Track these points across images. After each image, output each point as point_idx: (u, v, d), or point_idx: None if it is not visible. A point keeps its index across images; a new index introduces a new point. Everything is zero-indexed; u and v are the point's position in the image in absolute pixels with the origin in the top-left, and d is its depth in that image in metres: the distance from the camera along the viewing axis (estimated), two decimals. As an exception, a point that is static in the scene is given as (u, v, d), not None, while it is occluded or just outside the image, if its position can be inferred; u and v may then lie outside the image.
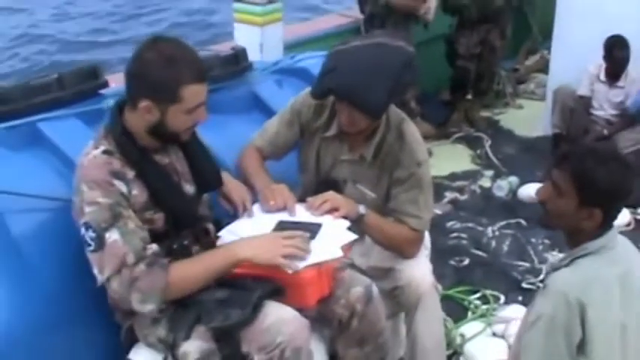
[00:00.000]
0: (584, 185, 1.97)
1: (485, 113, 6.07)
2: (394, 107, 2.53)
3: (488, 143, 5.50)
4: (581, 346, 1.89)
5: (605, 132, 5.08)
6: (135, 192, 2.03)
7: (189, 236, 2.17)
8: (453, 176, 4.95)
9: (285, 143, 2.60)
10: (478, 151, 5.43)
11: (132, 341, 2.18)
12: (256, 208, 2.34)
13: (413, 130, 2.52)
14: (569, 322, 1.88)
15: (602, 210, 1.98)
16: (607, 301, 1.93)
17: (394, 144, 2.47)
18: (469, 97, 5.84)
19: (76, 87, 2.57)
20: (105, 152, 2.02)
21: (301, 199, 2.40)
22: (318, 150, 2.55)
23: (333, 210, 2.30)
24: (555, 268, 2.06)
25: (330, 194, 2.35)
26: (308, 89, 2.50)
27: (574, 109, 5.15)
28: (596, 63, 5.10)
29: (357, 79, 2.25)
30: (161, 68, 1.96)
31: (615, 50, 4.97)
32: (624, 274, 1.99)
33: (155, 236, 2.06)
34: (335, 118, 2.48)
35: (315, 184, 2.53)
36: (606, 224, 2.01)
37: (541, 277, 3.58)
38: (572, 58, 5.25)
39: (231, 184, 2.39)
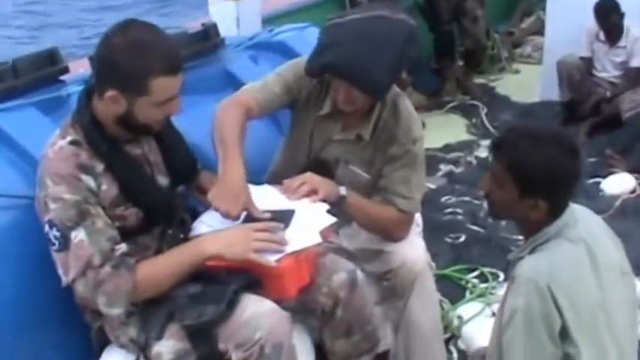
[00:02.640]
0: (520, 174, 1.88)
1: (480, 80, 6.06)
2: None
3: (483, 111, 5.48)
4: (563, 333, 1.83)
5: (608, 94, 5.02)
6: (104, 186, 1.97)
7: (175, 226, 2.13)
8: (448, 148, 4.93)
9: (277, 106, 2.44)
10: (473, 120, 5.40)
11: (103, 342, 2.13)
12: None
13: (408, 105, 2.46)
14: (546, 310, 1.81)
15: (545, 199, 1.88)
16: (579, 283, 1.86)
17: (389, 120, 2.41)
18: (461, 63, 5.78)
19: (33, 74, 2.50)
20: (72, 143, 1.95)
21: (284, 176, 2.33)
22: (312, 129, 2.46)
23: (311, 193, 2.22)
24: (519, 259, 1.97)
25: (308, 176, 2.27)
26: None
27: (581, 79, 5.09)
28: (595, 21, 5.01)
29: (358, 57, 2.17)
30: (129, 57, 1.87)
31: (604, 16, 4.90)
32: (591, 251, 1.91)
33: (127, 233, 2.00)
34: (328, 95, 2.40)
35: (306, 164, 2.45)
36: (556, 211, 1.92)
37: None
38: (569, 17, 5.21)
39: (204, 174, 2.33)
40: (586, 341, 1.84)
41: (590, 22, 5.03)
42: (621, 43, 5.01)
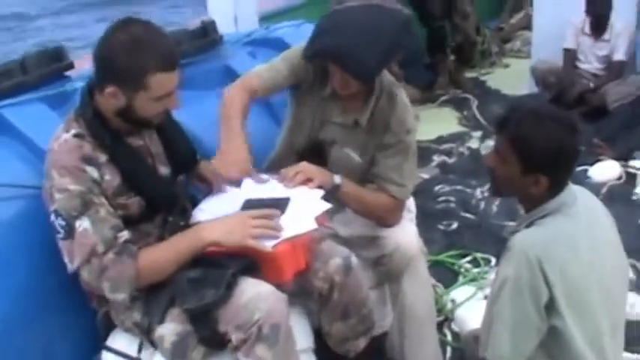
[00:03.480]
0: (523, 151, 1.87)
1: (471, 74, 6.05)
2: (386, 72, 2.45)
3: (475, 104, 5.48)
4: (550, 306, 1.82)
5: (592, 85, 5.02)
6: (107, 177, 1.96)
7: (177, 214, 2.13)
8: (441, 139, 4.92)
9: (283, 85, 2.44)
10: (465, 113, 5.40)
11: (108, 327, 2.13)
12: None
13: (403, 97, 2.46)
14: (533, 282, 1.80)
15: (547, 175, 1.89)
16: (573, 259, 1.85)
17: (385, 109, 2.41)
18: (453, 58, 5.77)
19: (40, 70, 2.50)
20: (76, 136, 1.95)
21: (283, 159, 2.37)
22: (315, 110, 2.46)
23: (306, 181, 2.22)
24: (515, 232, 1.97)
25: (303, 165, 2.28)
26: None
27: (556, 81, 5.11)
28: (581, 16, 5.04)
29: (349, 42, 2.18)
30: (127, 54, 1.87)
31: (595, 5, 4.91)
32: (589, 228, 1.91)
33: (130, 221, 2.00)
34: (328, 78, 2.39)
35: (305, 144, 2.46)
36: (556, 188, 1.92)
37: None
38: (555, 13, 5.22)
39: (204, 164, 2.33)
40: (576, 316, 1.83)
41: (576, 16, 5.05)
42: (605, 37, 5.01)
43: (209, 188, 2.27)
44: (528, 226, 1.94)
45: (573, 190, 1.97)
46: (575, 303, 1.84)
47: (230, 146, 2.21)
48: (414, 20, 2.33)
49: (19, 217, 2.12)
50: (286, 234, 1.99)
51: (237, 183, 2.21)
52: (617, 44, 4.98)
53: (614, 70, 5.00)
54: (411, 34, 2.30)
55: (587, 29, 5.05)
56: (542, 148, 1.85)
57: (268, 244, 1.96)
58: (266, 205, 2.08)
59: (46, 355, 2.14)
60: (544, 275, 1.80)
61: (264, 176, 2.27)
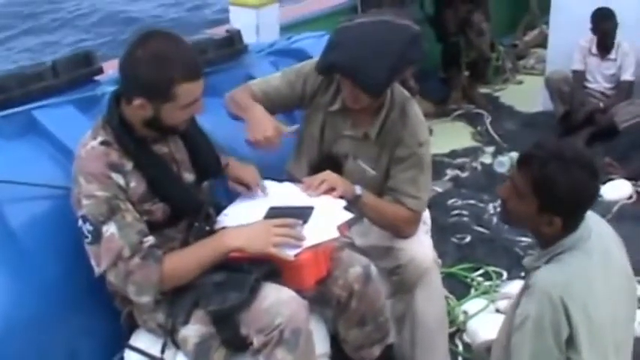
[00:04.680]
0: (544, 192, 1.85)
1: (485, 90, 6.04)
2: (399, 86, 2.49)
3: (488, 120, 5.48)
4: (569, 341, 1.83)
5: (601, 105, 5.04)
6: (133, 184, 1.99)
7: (202, 220, 2.15)
8: (454, 154, 4.93)
9: (280, 101, 2.49)
10: (479, 128, 5.40)
11: (132, 326, 2.16)
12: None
13: (416, 110, 2.48)
14: (556, 320, 1.80)
15: (562, 218, 1.87)
16: (592, 296, 1.85)
17: (397, 122, 2.43)
18: (466, 73, 5.79)
19: (70, 74, 2.53)
20: (102, 143, 1.98)
21: (298, 175, 2.40)
22: (323, 124, 2.50)
23: (329, 190, 2.25)
24: (535, 268, 1.95)
25: (327, 174, 2.31)
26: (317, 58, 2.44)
27: (570, 90, 5.12)
28: (588, 37, 5.08)
29: (359, 56, 2.22)
30: (152, 68, 1.90)
31: (601, 22, 4.96)
32: (604, 261, 1.91)
33: (155, 226, 2.03)
34: (340, 92, 2.43)
35: (318, 158, 2.50)
36: (570, 228, 1.90)
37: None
38: (571, 31, 5.20)
39: (239, 167, 2.35)
40: (593, 350, 1.83)
41: (583, 38, 5.09)
42: (611, 56, 5.04)
43: (250, 191, 2.30)
44: (547, 262, 1.93)
45: (588, 221, 1.94)
46: (594, 338, 1.84)
47: (251, 116, 2.34)
48: (422, 35, 2.35)
49: (48, 217, 2.16)
50: (309, 242, 2.02)
51: (273, 148, 2.29)
52: (624, 64, 5.00)
53: (623, 90, 5.01)
54: (420, 49, 2.32)
55: (594, 49, 5.08)
56: (565, 193, 1.83)
57: (290, 253, 1.99)
58: (290, 213, 2.11)
59: (70, 351, 2.17)
60: (567, 314, 1.80)
61: (287, 184, 2.30)
